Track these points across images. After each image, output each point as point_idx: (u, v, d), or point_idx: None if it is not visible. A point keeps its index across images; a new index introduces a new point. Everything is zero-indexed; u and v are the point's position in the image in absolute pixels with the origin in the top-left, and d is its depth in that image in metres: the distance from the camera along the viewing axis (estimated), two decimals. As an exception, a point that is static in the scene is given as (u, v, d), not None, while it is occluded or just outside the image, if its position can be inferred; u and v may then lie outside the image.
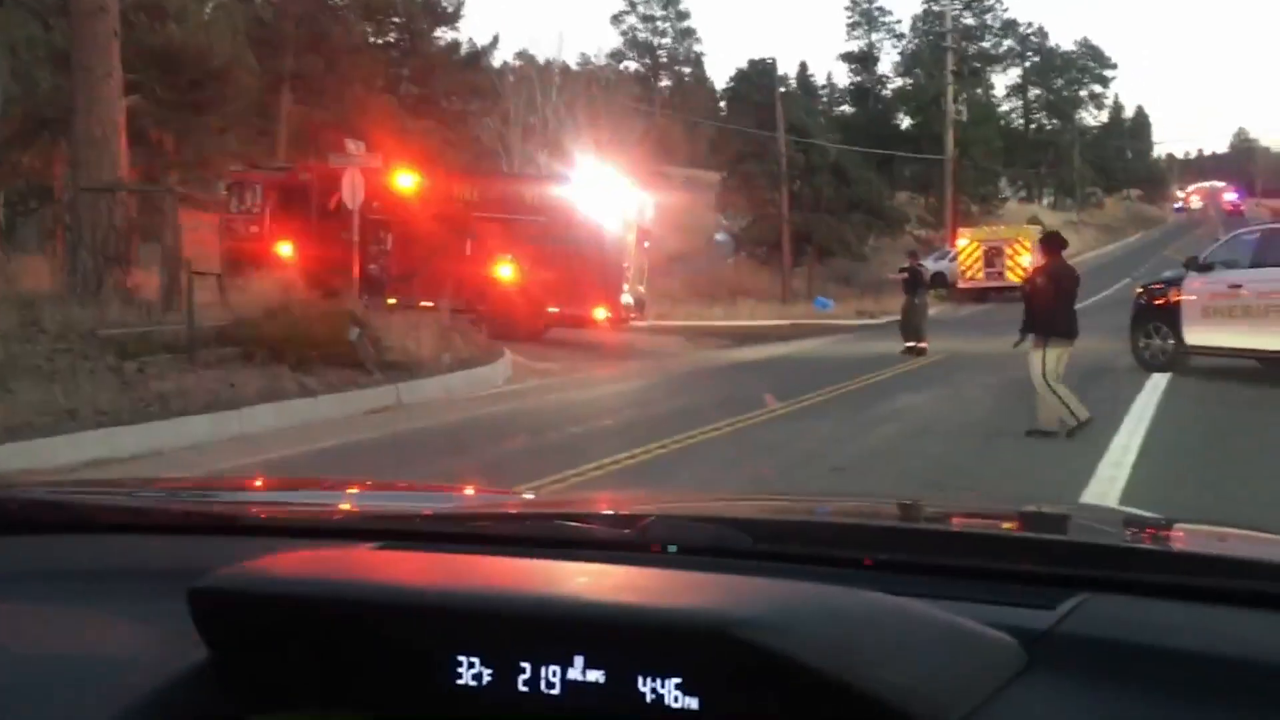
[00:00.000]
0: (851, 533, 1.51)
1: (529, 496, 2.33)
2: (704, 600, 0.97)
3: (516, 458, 9.19)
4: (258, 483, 2.80)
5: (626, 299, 19.69)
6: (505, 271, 19.65)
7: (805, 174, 43.65)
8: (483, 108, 36.98)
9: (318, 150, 25.18)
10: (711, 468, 8.66)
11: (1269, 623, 1.07)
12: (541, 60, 39.45)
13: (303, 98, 33.24)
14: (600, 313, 19.75)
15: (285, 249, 20.38)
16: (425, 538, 1.43)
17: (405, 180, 20.89)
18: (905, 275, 20.82)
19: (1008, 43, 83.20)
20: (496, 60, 40.39)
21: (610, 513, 1.59)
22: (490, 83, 37.54)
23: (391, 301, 19.76)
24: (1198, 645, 1.02)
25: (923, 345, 19.12)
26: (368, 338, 13.91)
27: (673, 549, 1.30)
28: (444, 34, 37.59)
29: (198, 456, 9.15)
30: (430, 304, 19.81)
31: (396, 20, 36.03)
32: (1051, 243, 10.81)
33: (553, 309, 19.66)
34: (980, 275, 38.85)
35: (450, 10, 37.07)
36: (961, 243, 39.79)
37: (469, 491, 2.33)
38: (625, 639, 0.96)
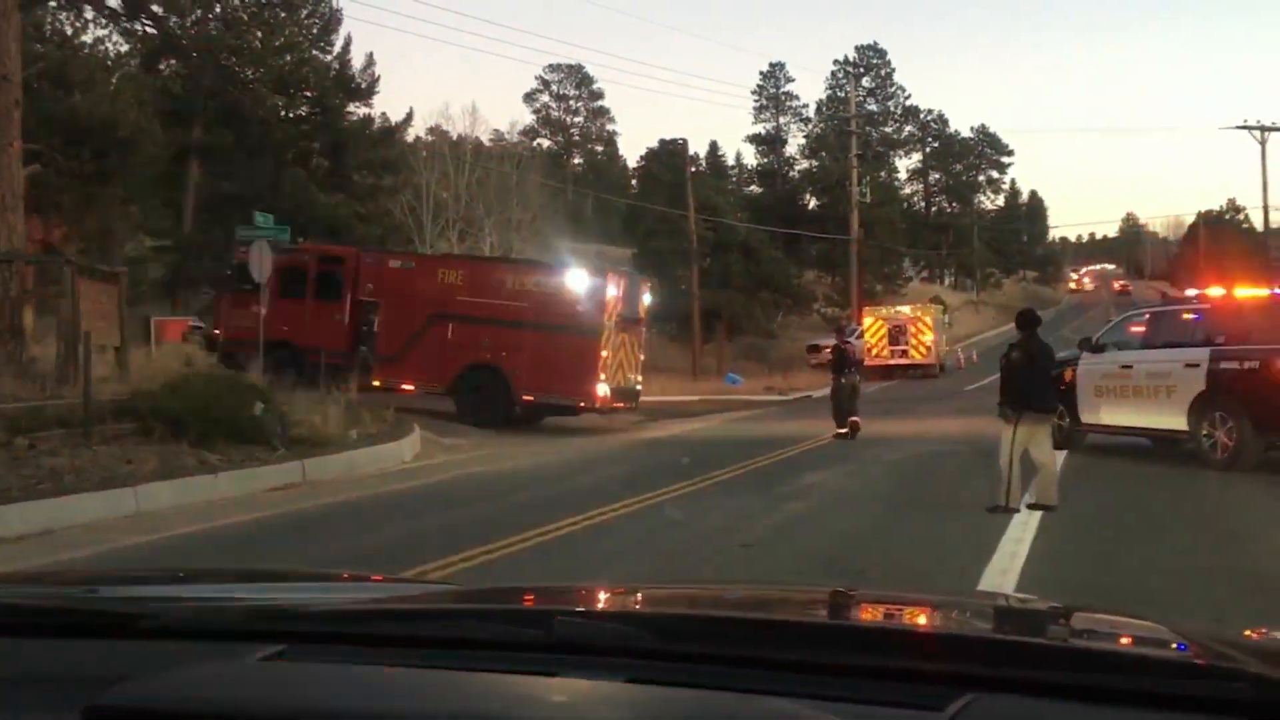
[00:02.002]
0: (748, 629, 1.52)
1: (433, 588, 2.30)
2: (597, 715, 0.98)
3: (417, 537, 9.05)
4: (156, 575, 2.71)
5: (604, 388, 19.39)
6: (479, 358, 19.42)
7: (715, 252, 44.35)
8: (395, 182, 36.95)
9: (226, 222, 24.89)
10: (618, 546, 8.63)
11: None
12: (454, 136, 39.67)
13: (211, 169, 32.89)
14: (574, 402, 19.47)
15: (282, 329, 20.06)
16: (326, 639, 1.41)
17: (392, 264, 20.95)
18: (830, 355, 20.10)
19: (909, 128, 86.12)
20: (410, 135, 40.49)
21: (514, 609, 1.58)
22: (403, 157, 37.57)
23: (377, 384, 19.74)
24: None
25: (853, 422, 18.07)
26: (273, 413, 13.66)
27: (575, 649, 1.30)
28: (357, 109, 37.61)
29: (91, 535, 8.85)
30: (410, 388, 19.76)
31: (309, 94, 35.95)
32: (1025, 320, 10.85)
33: (528, 396, 19.39)
34: (886, 353, 39.73)
35: (364, 86, 37.14)
36: (867, 321, 40.66)
37: (369, 581, 2.30)
38: None
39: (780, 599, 1.94)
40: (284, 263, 20.84)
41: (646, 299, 21.47)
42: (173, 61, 35.00)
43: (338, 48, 36.72)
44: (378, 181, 36.77)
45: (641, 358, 21.55)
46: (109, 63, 30.39)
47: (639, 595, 2.06)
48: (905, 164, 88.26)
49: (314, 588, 2.14)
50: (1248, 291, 15.00)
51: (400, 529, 9.57)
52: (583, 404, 19.42)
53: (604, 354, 19.17)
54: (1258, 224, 62.96)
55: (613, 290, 19.63)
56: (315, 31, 36.26)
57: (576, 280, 19.63)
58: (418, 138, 40.99)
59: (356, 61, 37.26)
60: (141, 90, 27.40)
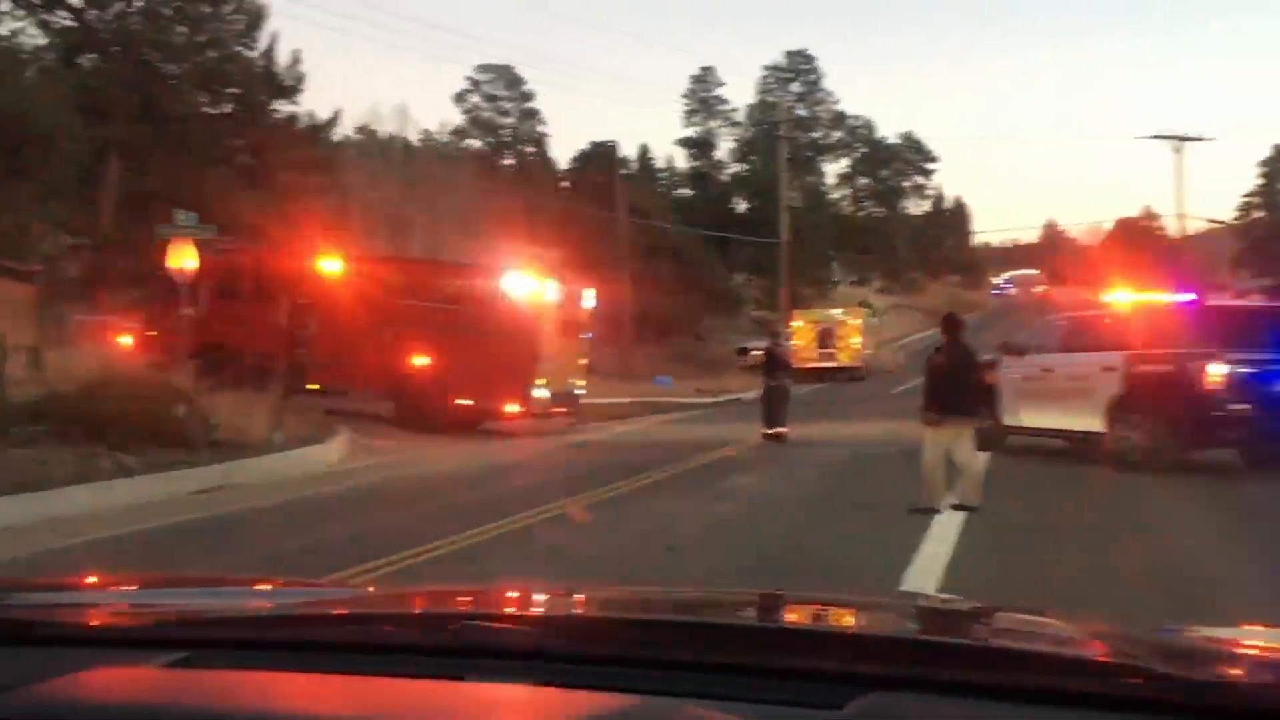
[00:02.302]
0: (653, 631, 1.53)
1: (345, 593, 2.27)
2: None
3: (339, 541, 8.93)
4: (61, 580, 2.64)
5: (541, 393, 19.25)
6: (416, 361, 19.18)
7: (646, 254, 44.43)
8: (322, 182, 36.41)
9: (146, 220, 24.33)
10: (543, 550, 8.61)
11: (1057, 718, 1.12)
12: (383, 136, 39.27)
13: (132, 166, 32.14)
14: (509, 407, 19.28)
15: (217, 331, 19.70)
16: (232, 644, 1.39)
17: (331, 266, 20.68)
18: (763, 358, 19.77)
19: (837, 134, 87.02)
20: (338, 134, 39.93)
21: (422, 613, 1.57)
22: (330, 157, 37.05)
23: (313, 387, 19.53)
24: None
25: (782, 431, 17.90)
26: (196, 416, 13.41)
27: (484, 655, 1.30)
28: (283, 106, 36.97)
29: (2, 540, 8.60)
30: (348, 391, 19.52)
31: (233, 91, 35.29)
32: (950, 324, 10.95)
33: (462, 400, 19.14)
34: (815, 356, 40.13)
35: (290, 84, 36.55)
36: (796, 324, 41.05)
37: (282, 586, 2.26)
38: None
39: (693, 601, 1.96)
40: (220, 264, 20.52)
41: (589, 303, 21.39)
42: (92, 55, 34.15)
43: (263, 45, 36.06)
44: (304, 181, 36.21)
45: (584, 362, 21.48)
46: (25, 56, 29.56)
47: (550, 598, 2.06)
48: (834, 169, 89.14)
49: (226, 593, 2.11)
50: (1162, 297, 15.42)
51: (322, 533, 9.44)
52: (520, 409, 19.29)
53: (541, 359, 19.07)
54: (1173, 231, 64.80)
55: (551, 294, 19.52)
56: (240, 28, 35.61)
57: (514, 284, 19.43)
58: (346, 137, 40.51)
59: (282, 59, 36.71)
60: (58, 85, 26.70)
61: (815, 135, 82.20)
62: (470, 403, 19.18)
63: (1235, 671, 1.41)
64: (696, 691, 1.11)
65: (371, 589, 2.97)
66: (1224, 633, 1.87)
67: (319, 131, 38.18)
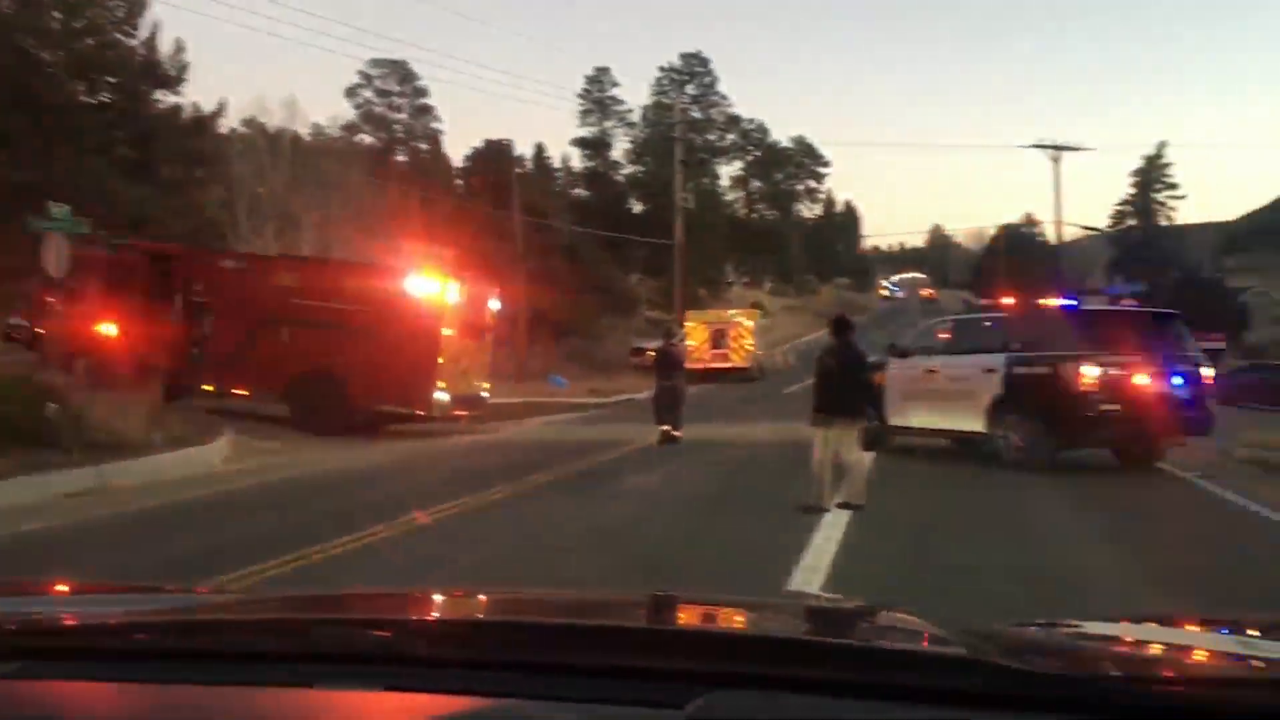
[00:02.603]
0: (502, 633, 1.54)
1: (194, 600, 2.21)
2: None
3: (215, 546, 8.66)
4: None
5: (443, 395, 18.87)
6: (314, 363, 18.67)
7: (540, 253, 44.29)
8: (207, 175, 35.43)
9: (20, 214, 23.35)
10: (430, 553, 8.49)
11: (891, 713, 1.14)
12: (271, 129, 38.33)
13: (4, 157, 30.82)
14: (410, 409, 18.90)
15: (109, 330, 19.22)
16: (69, 654, 1.33)
17: (227, 264, 20.14)
18: (655, 357, 19.48)
19: (731, 136, 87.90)
20: (224, 127, 38.85)
21: (271, 619, 1.54)
22: (215, 149, 36.04)
23: (209, 388, 19.11)
24: None
25: (677, 434, 17.71)
26: (68, 416, 12.92)
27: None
28: (165, 97, 35.86)
29: None
30: (244, 393, 18.97)
31: (112, 80, 34.10)
32: (839, 326, 11.10)
33: (362, 403, 18.68)
34: (708, 356, 40.50)
35: (173, 74, 35.47)
36: (690, 325, 41.38)
37: (136, 592, 2.19)
38: None
39: (550, 603, 1.95)
40: (111, 261, 19.90)
41: (494, 305, 21.14)
42: (-39, 40, 32.67)
43: (144, 33, 34.97)
44: (188, 174, 35.18)
45: (489, 364, 21.25)
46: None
47: (403, 602, 2.03)
48: (728, 171, 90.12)
49: (69, 601, 2.03)
50: (1041, 301, 15.94)
51: (199, 538, 9.15)
52: (420, 412, 18.96)
53: (442, 361, 18.80)
54: (1052, 237, 67.07)
55: (454, 296, 19.25)
56: (120, 15, 34.43)
57: (415, 285, 19.08)
58: (232, 130, 39.43)
59: (165, 48, 35.62)
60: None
61: (710, 138, 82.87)
62: (370, 405, 18.83)
63: (1076, 663, 1.45)
64: (543, 694, 1.11)
65: (221, 596, 2.89)
66: (1091, 627, 1.93)
67: (204, 123, 37.13)
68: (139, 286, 19.83)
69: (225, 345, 19.24)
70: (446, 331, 18.94)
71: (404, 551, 8.46)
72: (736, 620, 1.78)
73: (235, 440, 15.97)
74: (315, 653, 1.31)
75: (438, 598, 2.09)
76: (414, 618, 1.69)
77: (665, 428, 17.80)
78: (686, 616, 1.80)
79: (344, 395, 18.57)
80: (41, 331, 19.71)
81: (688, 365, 38.97)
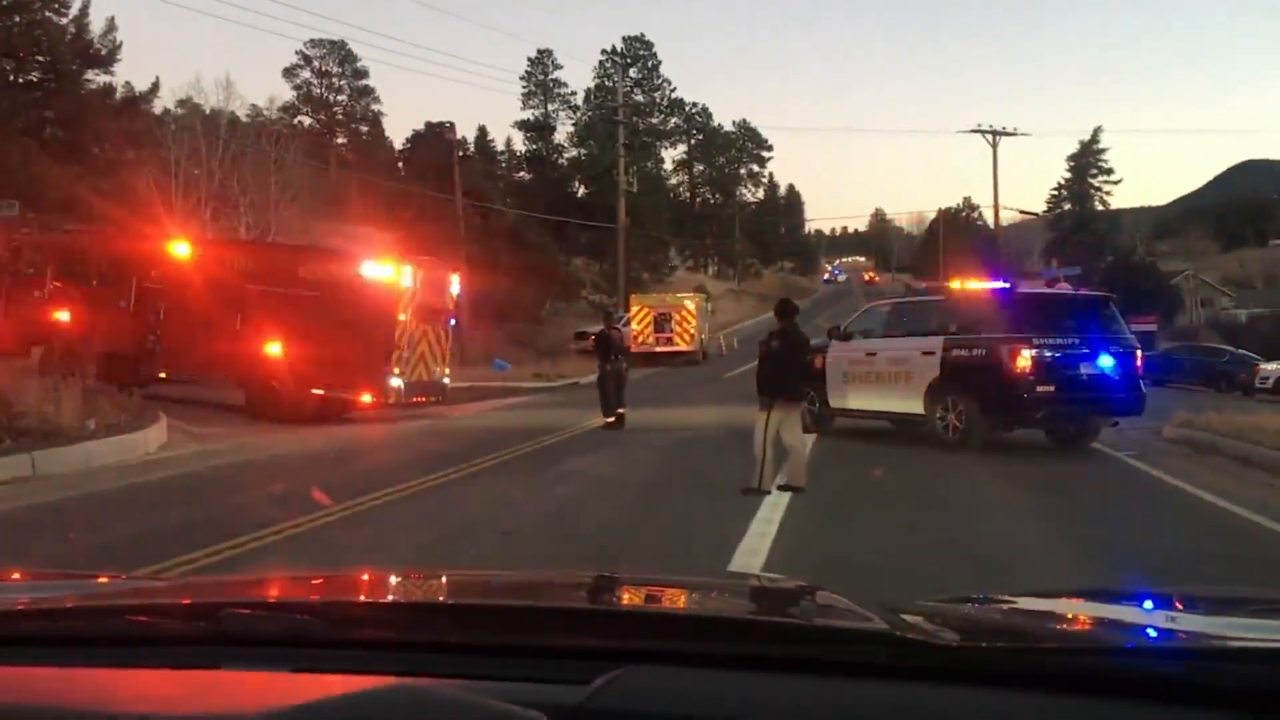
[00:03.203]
0: (409, 613, 1.55)
1: (108, 585, 2.19)
2: (232, 707, 0.98)
3: (147, 534, 8.52)
4: None
5: (396, 381, 18.59)
6: (269, 348, 18.39)
7: (483, 237, 44.01)
8: (140, 156, 34.74)
9: (-58, 194, 22.79)
10: (371, 539, 8.43)
11: (805, 687, 1.17)
12: (207, 109, 37.66)
13: (-74, 136, 29.99)
14: (363, 396, 18.64)
15: (61, 317, 19.03)
16: None
17: (181, 249, 19.80)
18: (596, 340, 19.23)
19: (675, 120, 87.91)
20: (158, 107, 38.10)
21: (183, 603, 1.54)
22: (149, 130, 35.34)
23: (163, 376, 19.03)
24: (737, 715, 1.10)
25: (620, 414, 17.74)
26: (-3, 403, 12.64)
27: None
28: (96, 76, 35.09)
29: None
30: (202, 379, 18.80)
31: (41, 59, 33.27)
32: (783, 310, 11.16)
33: (317, 390, 18.40)
34: (651, 340, 40.58)
35: (104, 52, 34.69)
36: (634, 309, 41.42)
37: (50, 580, 2.17)
38: None
39: (476, 583, 1.96)
40: (63, 246, 19.59)
41: (454, 289, 20.94)
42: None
43: (74, 10, 34.19)
44: (120, 156, 34.48)
45: (448, 350, 21.05)
46: None
47: (316, 583, 2.03)
48: (671, 155, 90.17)
49: None
50: (977, 284, 16.16)
51: (130, 526, 8.99)
52: (374, 398, 18.75)
53: (396, 346, 18.59)
54: (989, 221, 67.95)
55: (408, 280, 19.02)
56: (49, -9, 33.57)
57: (368, 269, 18.80)
58: (166, 110, 38.67)
59: (96, 26, 34.83)
60: None
61: (653, 121, 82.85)
62: (323, 391, 18.60)
63: (1003, 635, 1.49)
64: (454, 673, 1.12)
65: (138, 583, 2.87)
66: (1022, 601, 1.97)
67: (137, 103, 36.39)
68: (93, 273, 19.51)
69: (179, 331, 18.96)
70: (402, 316, 18.74)
71: (347, 534, 8.39)
72: (658, 598, 1.79)
73: (172, 426, 15.72)
74: (225, 636, 1.31)
75: (352, 579, 2.09)
76: (326, 599, 1.69)
77: (610, 412, 17.76)
78: (606, 595, 1.81)
79: (298, 381, 18.34)
80: None
81: (632, 349, 39.09)
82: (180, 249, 20.05)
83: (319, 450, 15.05)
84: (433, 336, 19.93)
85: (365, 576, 2.23)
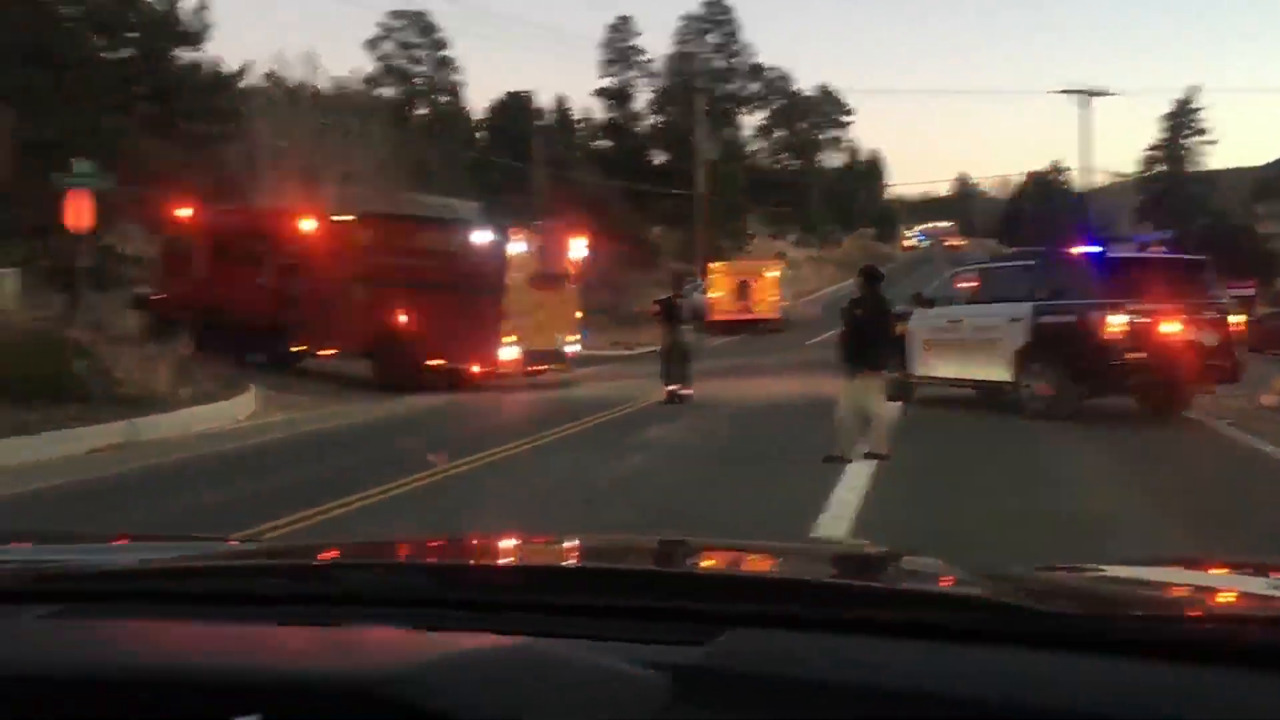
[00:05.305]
0: (530, 576, 1.56)
1: (223, 547, 2.25)
2: (357, 661, 0.99)
3: (245, 499, 8.75)
4: None
5: (510, 351, 18.68)
6: (394, 320, 18.77)
7: (562, 206, 44.14)
8: (228, 131, 35.43)
9: (43, 170, 23.50)
10: (456, 504, 8.56)
11: (905, 651, 1.15)
12: (291, 83, 38.25)
13: (26, 114, 30.90)
14: (481, 364, 18.85)
15: (207, 294, 19.70)
16: (106, 598, 1.37)
17: (310, 223, 20.24)
18: (659, 309, 18.24)
19: (754, 86, 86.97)
20: (244, 82, 38.78)
21: (297, 563, 1.57)
22: (236, 105, 36.01)
23: (299, 349, 19.68)
24: (841, 677, 1.09)
25: (686, 392, 16.65)
26: (96, 371, 13.06)
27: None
28: (186, 53, 35.81)
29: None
30: (330, 352, 19.30)
31: (132, 36, 34.04)
32: (869, 276, 11.04)
33: (435, 360, 18.61)
34: (733, 308, 40.42)
35: (194, 30, 35.39)
36: (713, 276, 41.28)
37: (161, 541, 2.23)
38: (293, 703, 0.95)
39: (575, 547, 1.97)
40: (207, 225, 20.25)
41: (576, 253, 20.81)
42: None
43: (165, -12, 34.85)
44: (209, 130, 35.20)
45: (577, 315, 21.02)
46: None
47: (430, 547, 2.06)
48: (751, 121, 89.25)
49: (101, 550, 2.07)
50: (1068, 249, 15.77)
51: (218, 494, 9.23)
52: (488, 367, 18.91)
53: (508, 315, 18.67)
54: (1079, 184, 66.35)
55: (519, 246, 19.15)
56: (140, -31, 34.32)
57: (480, 237, 19.00)
58: (252, 85, 39.34)
59: (187, 3, 35.51)
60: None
61: (732, 87, 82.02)
62: (441, 362, 18.76)
63: (1100, 604, 1.46)
64: (569, 634, 1.12)
65: (253, 545, 2.96)
66: (1117, 570, 1.92)
67: (225, 79, 37.10)
68: (235, 250, 20.13)
69: (312, 305, 19.41)
70: (514, 284, 18.82)
71: (434, 500, 8.54)
72: (760, 563, 1.79)
73: (262, 395, 16.10)
74: (339, 595, 1.34)
75: (461, 543, 2.12)
76: (438, 561, 1.72)
77: (671, 386, 16.70)
78: (709, 559, 1.81)
79: (419, 352, 18.56)
80: (158, 297, 20.19)
81: (713, 317, 38.83)
82: (308, 224, 20.34)
83: (403, 418, 15.28)
84: (553, 303, 19.91)
85: (474, 540, 2.27)
